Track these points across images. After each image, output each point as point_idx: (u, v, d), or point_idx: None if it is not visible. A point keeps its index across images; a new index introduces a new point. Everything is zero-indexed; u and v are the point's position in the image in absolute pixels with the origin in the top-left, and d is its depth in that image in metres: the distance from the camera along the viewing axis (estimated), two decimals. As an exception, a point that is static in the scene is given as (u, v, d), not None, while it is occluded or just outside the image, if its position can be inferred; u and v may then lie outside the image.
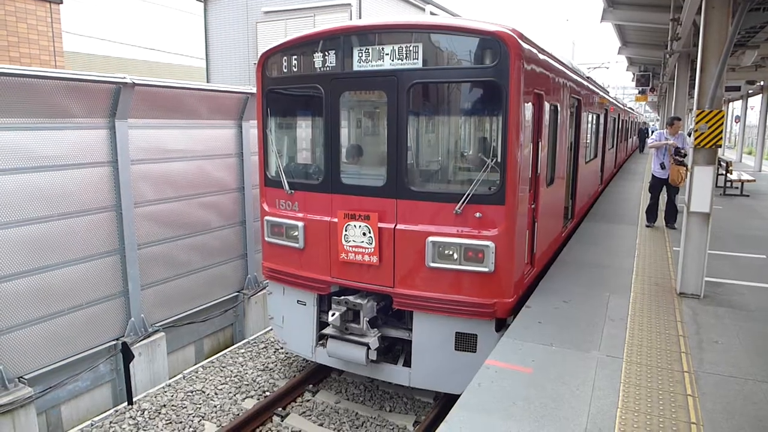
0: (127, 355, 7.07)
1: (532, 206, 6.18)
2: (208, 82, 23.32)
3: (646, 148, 30.95)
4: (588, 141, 10.70)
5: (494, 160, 5.26)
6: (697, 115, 6.06)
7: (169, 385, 7.14)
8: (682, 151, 9.28)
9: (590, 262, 7.69)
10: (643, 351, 4.89)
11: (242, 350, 8.24)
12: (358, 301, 5.77)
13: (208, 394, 6.91)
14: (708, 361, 4.74)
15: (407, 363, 5.95)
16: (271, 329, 8.45)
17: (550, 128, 6.70)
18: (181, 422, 6.28)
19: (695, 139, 6.13)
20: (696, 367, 4.60)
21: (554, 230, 7.73)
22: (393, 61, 5.47)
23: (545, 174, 6.61)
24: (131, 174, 7.53)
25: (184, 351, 8.66)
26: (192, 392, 6.95)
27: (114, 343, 7.43)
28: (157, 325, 8.04)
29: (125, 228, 7.45)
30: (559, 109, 7.07)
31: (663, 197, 10.14)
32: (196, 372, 7.51)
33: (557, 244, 8.06)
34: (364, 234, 5.75)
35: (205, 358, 8.46)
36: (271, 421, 6.30)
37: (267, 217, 6.63)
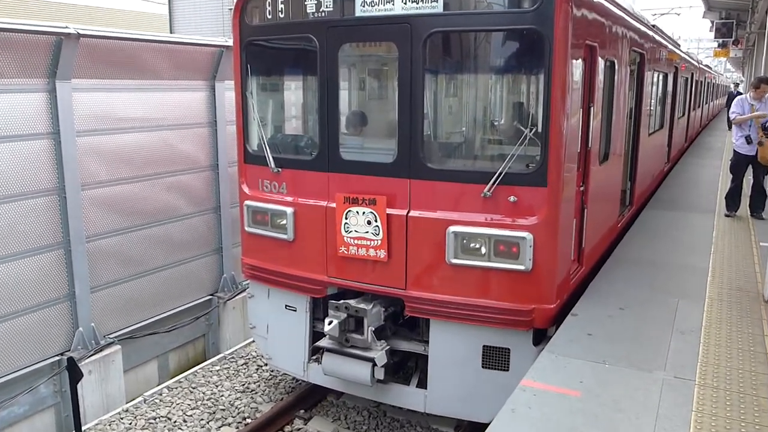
0: (74, 374, 7.13)
1: (581, 189, 6.17)
2: (171, 32, 23.35)
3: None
4: (653, 107, 10.63)
5: (533, 131, 5.25)
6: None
7: (127, 411, 7.23)
8: None
9: (653, 259, 7.68)
10: (721, 372, 4.89)
11: (217, 367, 8.32)
12: (362, 306, 5.79)
13: (174, 422, 6.99)
14: (803, 385, 4.73)
15: (422, 384, 5.99)
16: (253, 341, 8.52)
17: (605, 90, 6.67)
18: (141, 456, 6.38)
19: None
20: (788, 393, 4.60)
21: (608, 219, 7.71)
22: (406, 4, 5.44)
23: (598, 148, 6.59)
24: (77, 149, 7.57)
25: (145, 368, 8.76)
26: (155, 419, 7.04)
27: (58, 358, 7.51)
28: (111, 336, 8.12)
29: (70, 216, 7.51)
30: (616, 66, 7.03)
31: (748, 179, 10.07)
32: (160, 394, 7.60)
33: (612, 236, 8.05)
34: (369, 222, 5.77)
35: (171, 377, 8.54)
36: (253, 456, 6.40)
37: (247, 202, 6.67)
